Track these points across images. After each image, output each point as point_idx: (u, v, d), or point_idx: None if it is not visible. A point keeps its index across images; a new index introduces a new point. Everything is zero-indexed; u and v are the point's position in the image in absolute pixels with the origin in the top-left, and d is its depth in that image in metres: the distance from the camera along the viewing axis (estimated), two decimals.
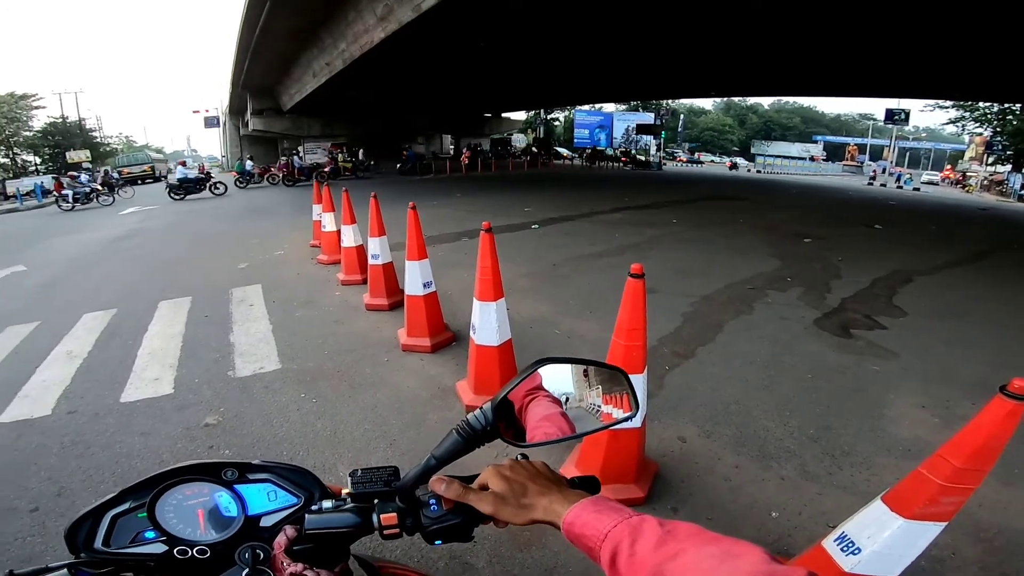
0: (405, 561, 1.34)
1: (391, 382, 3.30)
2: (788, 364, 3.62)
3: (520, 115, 48.46)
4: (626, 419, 0.67)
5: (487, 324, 2.72)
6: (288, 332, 4.24)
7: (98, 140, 44.19)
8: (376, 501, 0.63)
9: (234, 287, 5.67)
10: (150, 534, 0.64)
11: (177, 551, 0.63)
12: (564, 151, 40.28)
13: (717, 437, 2.71)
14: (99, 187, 18.42)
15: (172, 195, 17.44)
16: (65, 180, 18.60)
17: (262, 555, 0.63)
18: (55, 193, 18.20)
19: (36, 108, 35.88)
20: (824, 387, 3.30)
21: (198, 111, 44.23)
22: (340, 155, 25.75)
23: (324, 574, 0.63)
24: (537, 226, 8.81)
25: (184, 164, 20.68)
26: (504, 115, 44.70)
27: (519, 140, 42.72)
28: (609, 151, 38.08)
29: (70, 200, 17.03)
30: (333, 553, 0.65)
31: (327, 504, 0.65)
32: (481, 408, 0.60)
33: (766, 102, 71.54)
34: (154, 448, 2.68)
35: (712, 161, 53.49)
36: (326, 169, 22.79)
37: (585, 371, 0.68)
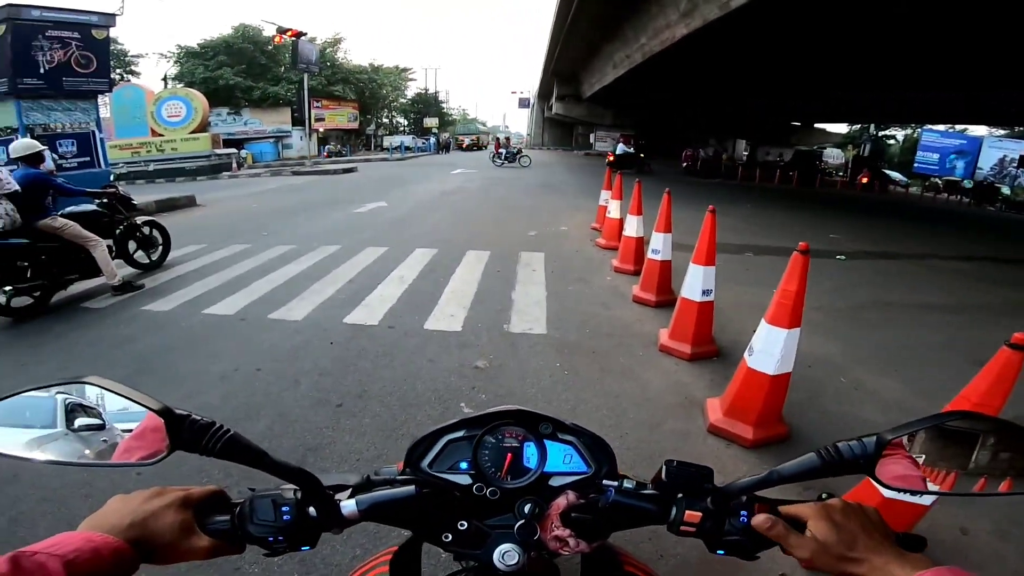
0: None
1: (640, 377, 3.27)
2: None
3: (839, 128, 41.37)
4: None
5: (770, 350, 2.43)
6: (558, 303, 4.57)
7: (445, 111, 54.82)
8: (680, 496, 0.62)
9: (523, 251, 6.42)
10: (463, 465, 0.71)
11: (476, 487, 0.69)
12: (896, 175, 32.61)
13: (1014, 540, 2.05)
14: (518, 152, 24.59)
15: (613, 166, 20.19)
16: (502, 140, 26.83)
17: (538, 511, 0.66)
18: (493, 151, 25.69)
19: (410, 80, 46.12)
20: None
21: (515, 92, 51.24)
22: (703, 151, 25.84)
23: (583, 545, 0.64)
24: (844, 257, 7.45)
25: (625, 142, 24.51)
26: (817, 126, 38.83)
27: (834, 156, 36.35)
28: (967, 183, 29.31)
29: (502, 159, 23.56)
30: (602, 530, 0.66)
31: (629, 485, 0.66)
32: (862, 440, 0.54)
33: None
34: (434, 375, 3.20)
35: None
36: (686, 163, 23.87)
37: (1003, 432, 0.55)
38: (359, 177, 17.18)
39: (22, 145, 4.57)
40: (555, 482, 0.71)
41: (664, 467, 0.63)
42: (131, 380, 3.13)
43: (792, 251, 2.33)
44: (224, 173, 19.05)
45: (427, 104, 49.56)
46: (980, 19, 10.49)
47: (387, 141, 38.49)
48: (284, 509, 0.58)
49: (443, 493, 0.67)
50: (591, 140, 39.94)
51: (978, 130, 34.38)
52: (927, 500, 1.72)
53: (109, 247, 4.78)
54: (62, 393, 0.55)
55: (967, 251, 9.33)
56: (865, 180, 23.88)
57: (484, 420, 0.73)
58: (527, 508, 0.66)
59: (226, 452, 0.53)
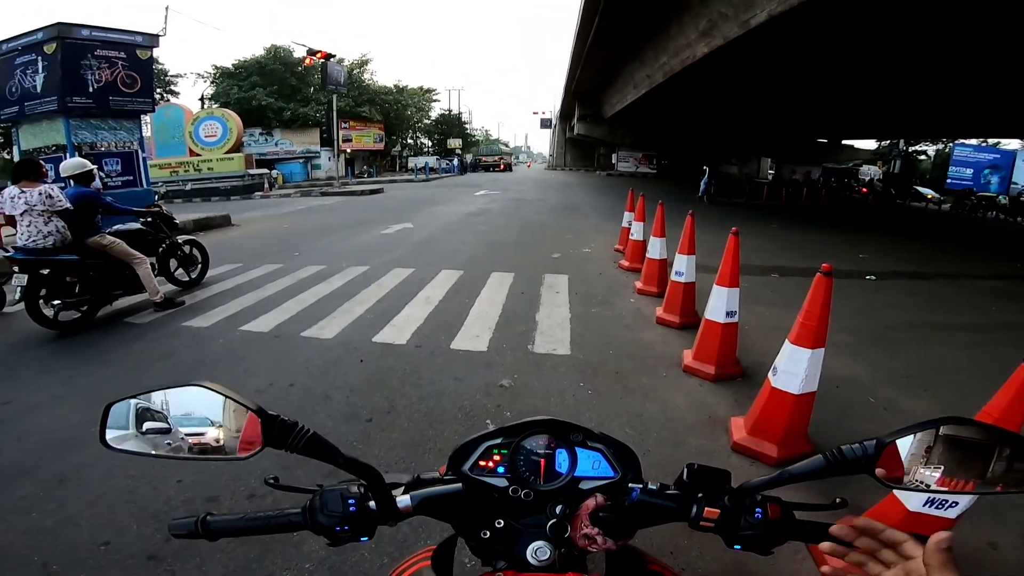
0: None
1: (663, 397, 3.29)
2: None
3: (868, 144, 40.69)
4: None
5: (794, 370, 2.46)
6: (582, 324, 4.63)
7: (468, 132, 55.65)
8: (700, 495, 0.69)
9: (547, 272, 6.51)
10: (501, 469, 0.78)
11: (512, 489, 0.75)
12: (928, 192, 31.65)
13: None
14: None
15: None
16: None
17: (568, 511, 0.73)
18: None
19: (434, 101, 46.82)
20: None
21: (537, 112, 51.94)
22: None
23: (610, 543, 0.70)
24: (873, 277, 7.33)
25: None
26: (846, 142, 38.28)
27: (871, 172, 35.47)
28: (1002, 199, 28.27)
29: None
30: (628, 528, 0.72)
31: (653, 486, 0.73)
32: (863, 443, 0.61)
33: None
34: (460, 393, 3.28)
35: None
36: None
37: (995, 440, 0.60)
38: (385, 198, 17.61)
39: (74, 164, 4.67)
40: (585, 485, 0.77)
41: (685, 469, 0.71)
42: None
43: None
44: (256, 193, 19.67)
45: (450, 125, 50.35)
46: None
47: (412, 162, 39.22)
48: (351, 502, 0.67)
49: (483, 493, 0.75)
50: (613, 160, 40.13)
51: (1011, 144, 33.43)
52: (938, 510, 1.73)
53: (152, 265, 4.96)
54: (136, 400, 0.63)
55: (1001, 270, 9.06)
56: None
57: (520, 429, 0.80)
58: (558, 509, 0.73)
59: (308, 449, 0.63)
